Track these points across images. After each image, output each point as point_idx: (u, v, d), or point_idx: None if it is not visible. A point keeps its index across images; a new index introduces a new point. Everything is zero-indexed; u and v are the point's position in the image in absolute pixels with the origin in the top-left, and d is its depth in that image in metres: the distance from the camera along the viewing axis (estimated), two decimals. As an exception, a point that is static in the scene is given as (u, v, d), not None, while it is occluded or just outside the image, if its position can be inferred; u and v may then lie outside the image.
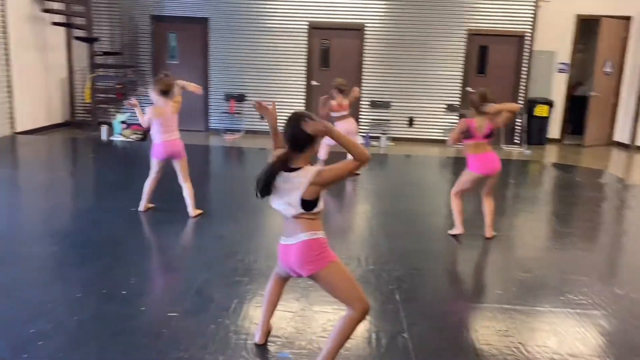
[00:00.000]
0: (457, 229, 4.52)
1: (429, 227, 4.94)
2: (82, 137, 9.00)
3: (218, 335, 2.72)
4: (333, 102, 6.40)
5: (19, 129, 8.71)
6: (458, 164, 8.43)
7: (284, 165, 2.26)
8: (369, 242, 4.43)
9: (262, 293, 3.22)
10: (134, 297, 3.14)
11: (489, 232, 4.52)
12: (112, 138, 8.85)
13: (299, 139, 2.23)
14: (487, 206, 4.51)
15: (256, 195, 2.28)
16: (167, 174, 4.73)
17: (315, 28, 9.77)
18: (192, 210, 4.71)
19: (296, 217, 2.26)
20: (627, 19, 9.94)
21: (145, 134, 8.96)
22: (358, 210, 5.64)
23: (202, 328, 2.78)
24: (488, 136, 4.32)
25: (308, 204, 2.23)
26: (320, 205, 2.28)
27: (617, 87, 10.24)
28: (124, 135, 8.84)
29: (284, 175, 2.25)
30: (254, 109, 9.85)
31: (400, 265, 3.79)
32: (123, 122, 9.07)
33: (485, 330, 2.96)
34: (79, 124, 9.91)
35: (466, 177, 4.43)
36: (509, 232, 4.82)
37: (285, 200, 2.26)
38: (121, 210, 4.93)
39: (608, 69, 10.01)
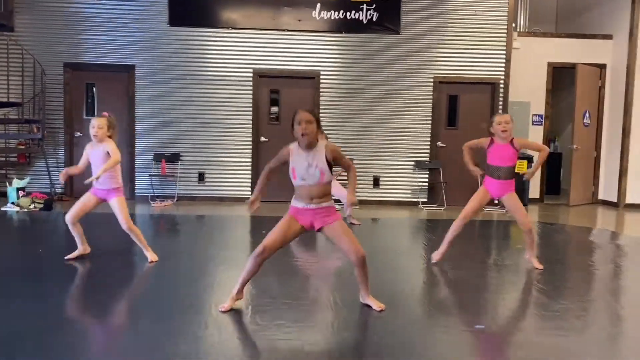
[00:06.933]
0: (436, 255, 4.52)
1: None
2: (-34, 209, 7.04)
3: None
4: None
5: None
6: (433, 227, 7.05)
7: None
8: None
9: None
10: None
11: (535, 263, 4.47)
12: (4, 209, 6.94)
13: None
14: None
15: None
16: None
17: (262, 76, 8.43)
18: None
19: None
20: (602, 66, 9.19)
21: (49, 202, 7.20)
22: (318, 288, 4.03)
23: None
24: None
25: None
26: None
27: (597, 140, 9.33)
28: (20, 205, 6.95)
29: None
30: (188, 172, 8.33)
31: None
32: (21, 189, 7.21)
33: None
34: (-32, 194, 7.93)
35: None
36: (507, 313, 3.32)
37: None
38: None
39: (586, 120, 9.11)
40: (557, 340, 2.89)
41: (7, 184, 7.24)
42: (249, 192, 8.43)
